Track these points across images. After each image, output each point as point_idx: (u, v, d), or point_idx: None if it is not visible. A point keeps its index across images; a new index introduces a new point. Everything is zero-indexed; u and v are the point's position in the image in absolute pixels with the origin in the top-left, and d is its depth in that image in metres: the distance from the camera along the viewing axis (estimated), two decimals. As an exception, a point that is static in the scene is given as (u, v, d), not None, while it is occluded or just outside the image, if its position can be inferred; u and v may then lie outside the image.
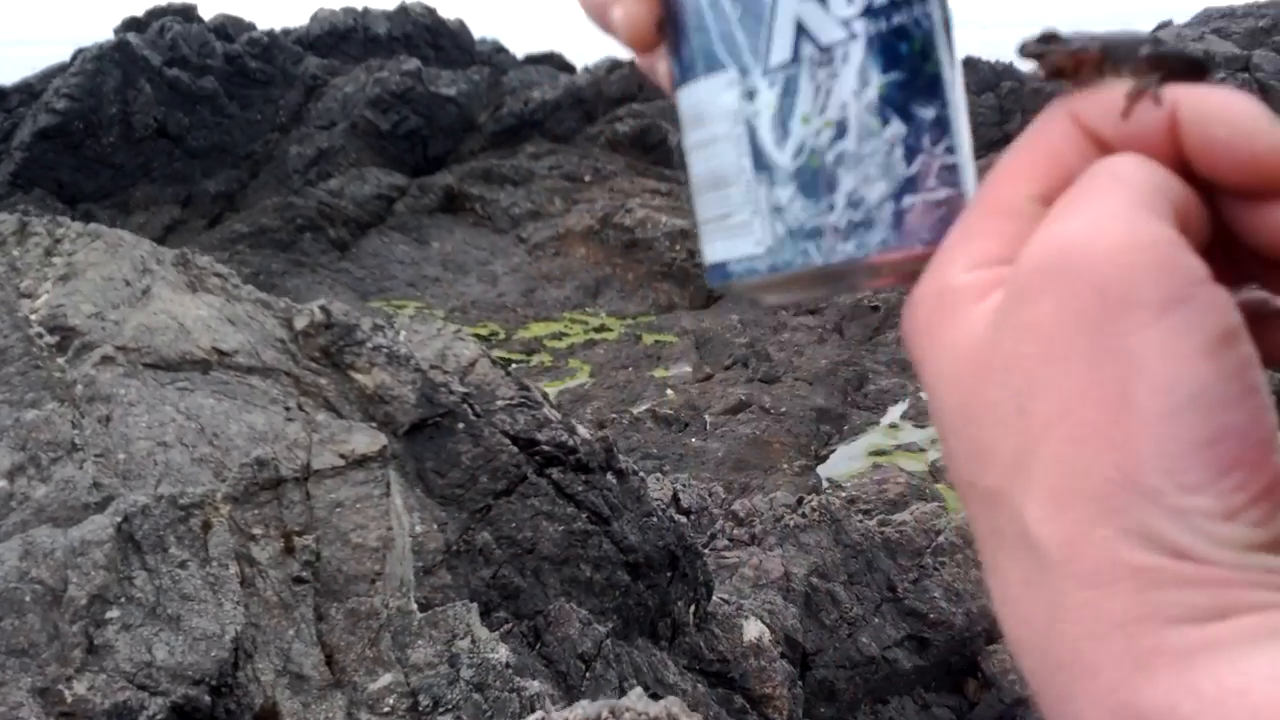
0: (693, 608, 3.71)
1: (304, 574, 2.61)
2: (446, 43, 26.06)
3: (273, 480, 2.63)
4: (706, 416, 11.45)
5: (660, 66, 0.49)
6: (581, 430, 3.63)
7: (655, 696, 3.40)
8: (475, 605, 2.87)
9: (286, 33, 24.15)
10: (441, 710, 2.58)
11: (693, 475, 7.72)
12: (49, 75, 20.71)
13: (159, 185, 19.80)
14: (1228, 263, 0.41)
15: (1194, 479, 0.32)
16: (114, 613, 2.35)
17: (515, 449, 3.37)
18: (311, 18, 24.98)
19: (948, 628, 5.35)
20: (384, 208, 19.80)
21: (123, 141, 19.69)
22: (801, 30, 0.45)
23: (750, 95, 0.46)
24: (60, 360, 2.74)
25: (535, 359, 14.28)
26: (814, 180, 0.46)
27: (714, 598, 3.90)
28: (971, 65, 22.67)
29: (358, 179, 20.24)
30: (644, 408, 11.69)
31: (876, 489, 8.84)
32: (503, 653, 2.78)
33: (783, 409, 11.29)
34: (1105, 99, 0.40)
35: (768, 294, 0.49)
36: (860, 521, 5.09)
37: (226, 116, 21.18)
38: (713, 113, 0.48)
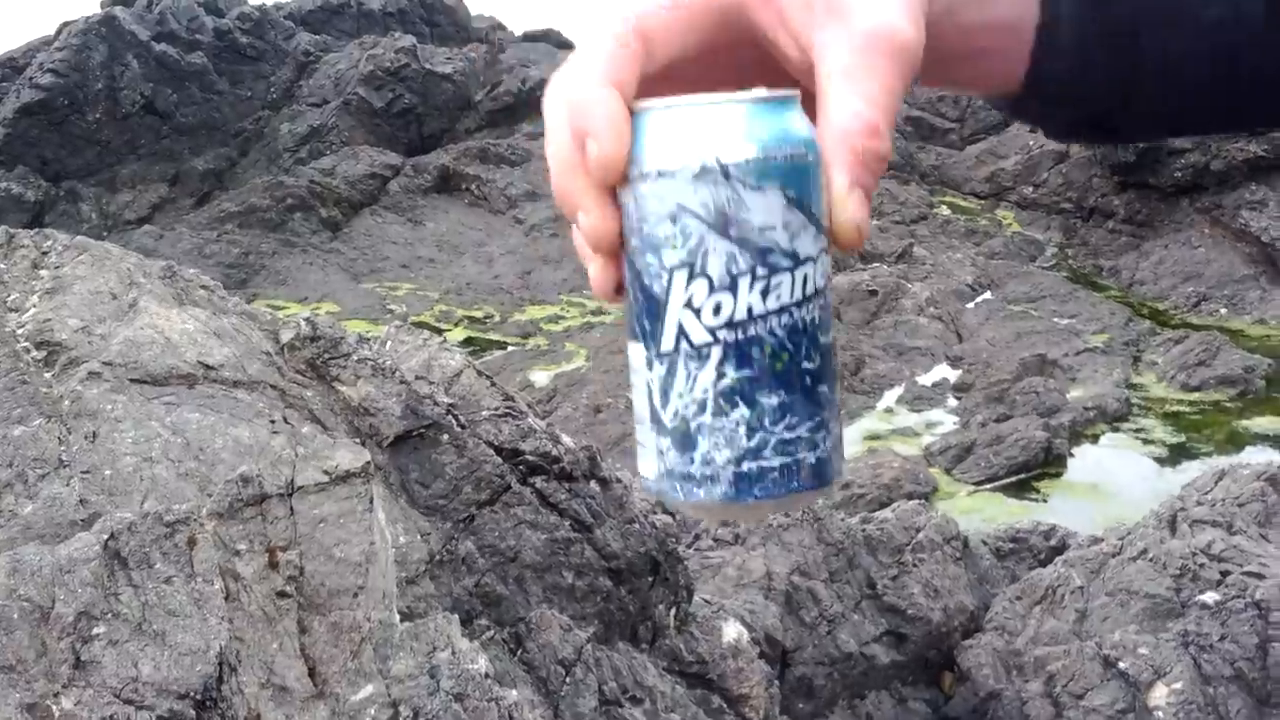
0: (673, 611, 3.78)
1: (287, 588, 2.67)
2: (442, 19, 25.93)
3: (257, 497, 2.68)
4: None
5: None
6: (565, 440, 3.69)
7: (635, 699, 3.48)
8: (456, 617, 2.92)
9: (278, 7, 24.02)
10: (422, 721, 2.64)
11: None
12: (33, 50, 20.51)
13: (146, 163, 19.69)
14: None
15: None
16: (101, 629, 2.41)
17: (499, 459, 3.43)
18: (304, -7, 24.87)
19: (925, 623, 5.43)
20: (377, 187, 19.74)
21: (109, 118, 19.53)
22: (681, 330, 0.58)
23: (649, 365, 0.60)
24: (47, 375, 2.79)
25: (531, 342, 14.31)
26: (683, 439, 0.59)
27: (696, 598, 3.97)
28: None
29: (350, 158, 20.16)
30: (639, 393, 11.70)
31: (871, 474, 8.92)
32: (482, 663, 2.84)
33: (776, 395, 11.30)
34: None
35: (679, 510, 0.64)
36: (842, 520, 5.16)
37: (215, 93, 21.06)
38: (634, 367, 0.61)
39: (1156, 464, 9.71)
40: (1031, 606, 5.24)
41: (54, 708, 2.29)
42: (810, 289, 0.58)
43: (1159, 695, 4.86)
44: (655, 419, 0.60)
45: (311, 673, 2.63)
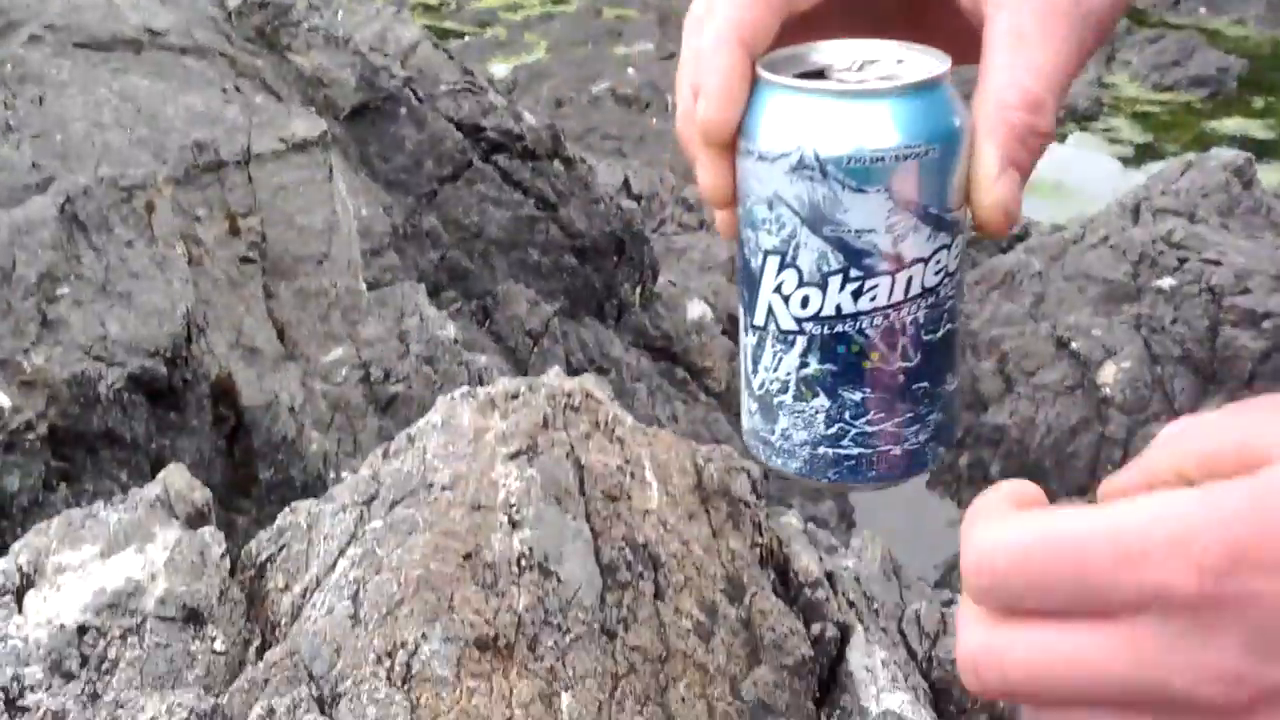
0: (639, 289, 3.81)
1: (251, 254, 2.66)
2: None
3: (214, 163, 2.63)
4: (668, 97, 11.28)
5: None
6: (528, 117, 3.61)
7: (602, 370, 3.55)
8: (423, 285, 2.93)
9: None
10: (393, 381, 2.69)
11: (651, 159, 7.70)
12: None
13: None
14: None
15: None
16: (65, 290, 2.40)
17: (460, 135, 3.36)
18: None
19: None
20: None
21: None
22: (770, 311, 0.56)
23: (745, 330, 0.59)
24: (-14, 39, 2.67)
25: (489, 32, 13.78)
26: (765, 409, 0.58)
27: (661, 280, 3.99)
28: None
29: None
30: (603, 86, 11.41)
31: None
32: (451, 329, 2.87)
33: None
34: None
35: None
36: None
37: None
38: (740, 319, 0.60)
39: (1122, 164, 9.69)
40: (990, 291, 5.32)
41: (24, 363, 2.30)
42: (915, 289, 0.54)
43: (1108, 373, 4.99)
44: (746, 381, 0.60)
45: (281, 335, 2.65)
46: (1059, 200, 8.86)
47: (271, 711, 0.72)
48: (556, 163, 3.68)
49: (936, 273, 0.55)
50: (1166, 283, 5.12)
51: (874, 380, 0.55)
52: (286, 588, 0.87)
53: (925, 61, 0.55)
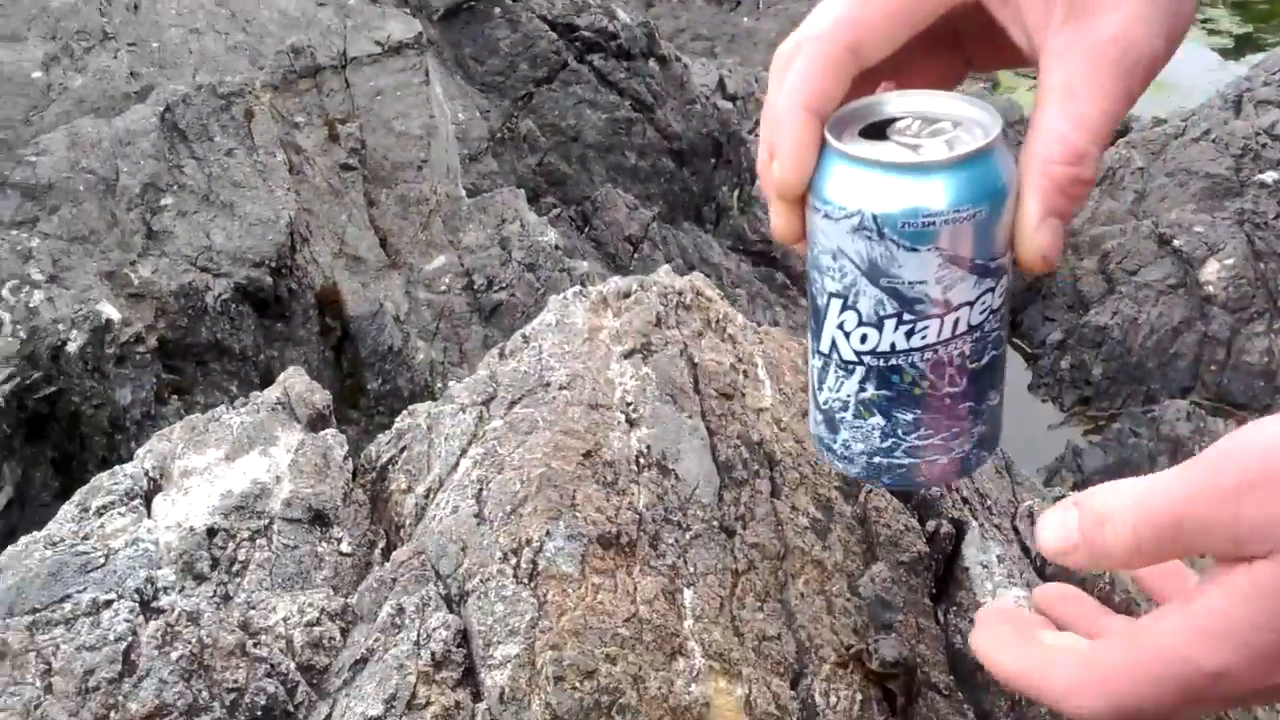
0: (736, 193, 3.75)
1: (351, 161, 2.65)
2: None
3: (310, 68, 2.62)
4: (758, -4, 11.03)
5: None
6: (622, 15, 3.54)
7: (702, 274, 3.51)
8: (523, 191, 2.91)
9: None
10: (496, 289, 2.68)
11: (743, 59, 7.56)
12: None
13: None
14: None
15: None
16: (168, 200, 2.42)
17: (554, 35, 3.31)
18: None
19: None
20: None
21: None
22: (834, 344, 0.61)
23: (812, 354, 0.65)
24: (82, -50, 2.68)
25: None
26: (829, 421, 0.65)
27: (757, 183, 3.92)
28: None
29: None
30: (694, -15, 11.17)
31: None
32: (551, 235, 2.85)
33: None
34: None
35: None
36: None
37: None
38: (808, 342, 0.65)
39: (1220, 56, 9.27)
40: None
41: (132, 275, 2.33)
42: (962, 328, 0.59)
43: (1210, 271, 4.84)
44: (813, 396, 0.66)
45: (383, 244, 2.66)
46: (1158, 94, 8.52)
47: (401, 610, 0.72)
48: (651, 62, 3.61)
49: (981, 312, 0.60)
50: (1270, 176, 4.92)
51: (924, 404, 0.62)
52: (409, 489, 0.86)
53: (979, 123, 0.59)
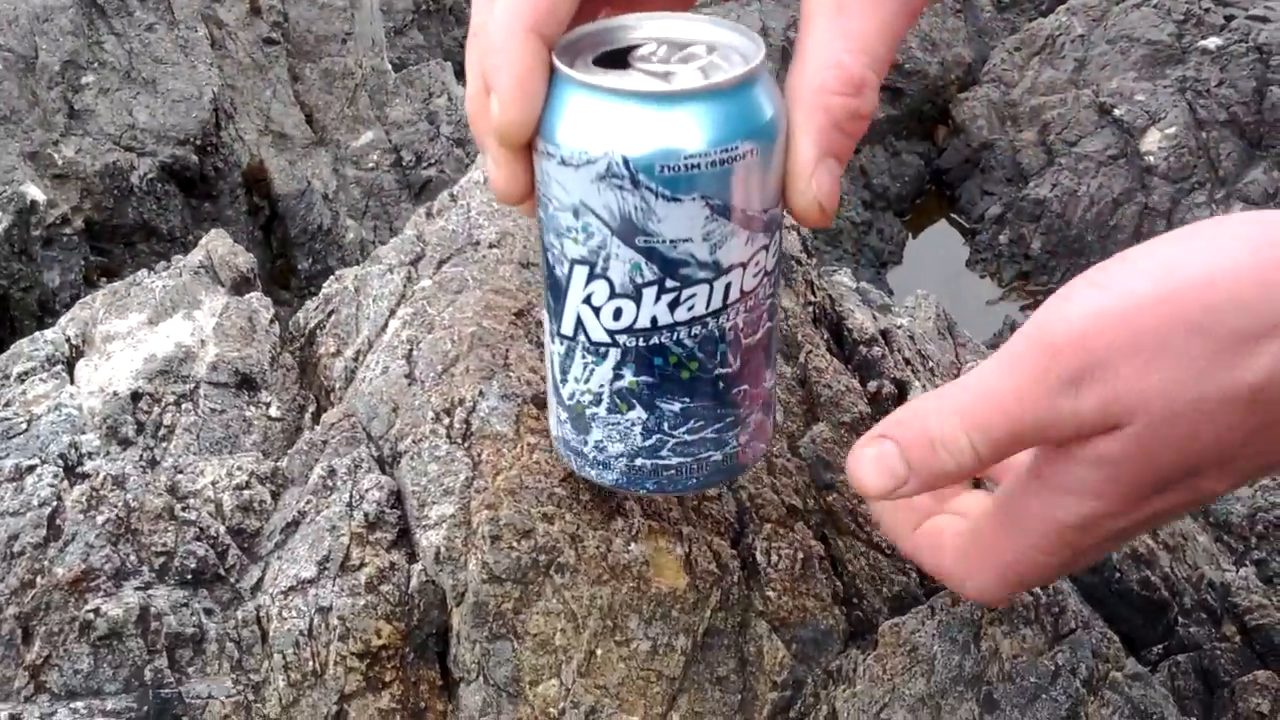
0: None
1: (274, 35, 2.58)
2: None
3: (228, -63, 2.52)
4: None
5: None
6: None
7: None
8: (449, 64, 2.85)
9: None
10: (425, 165, 2.64)
11: None
12: None
13: None
14: None
15: None
16: (89, 78, 2.35)
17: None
18: None
19: (921, 77, 5.32)
20: None
21: None
22: (580, 322, 0.51)
23: (551, 337, 0.55)
24: None
25: None
26: (577, 421, 0.55)
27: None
28: None
29: None
30: None
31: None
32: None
33: None
34: None
35: None
36: None
37: None
38: (544, 323, 0.56)
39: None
40: (1030, 57, 5.13)
41: (55, 155, 2.27)
42: (734, 294, 0.50)
43: (1151, 140, 4.86)
44: (555, 389, 0.56)
45: (309, 120, 2.60)
46: (1106, -39, 8.47)
47: (333, 472, 0.72)
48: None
49: (755, 275, 0.51)
50: (1212, 43, 4.92)
51: (693, 390, 0.52)
52: (338, 352, 0.85)
53: (736, 48, 0.49)
